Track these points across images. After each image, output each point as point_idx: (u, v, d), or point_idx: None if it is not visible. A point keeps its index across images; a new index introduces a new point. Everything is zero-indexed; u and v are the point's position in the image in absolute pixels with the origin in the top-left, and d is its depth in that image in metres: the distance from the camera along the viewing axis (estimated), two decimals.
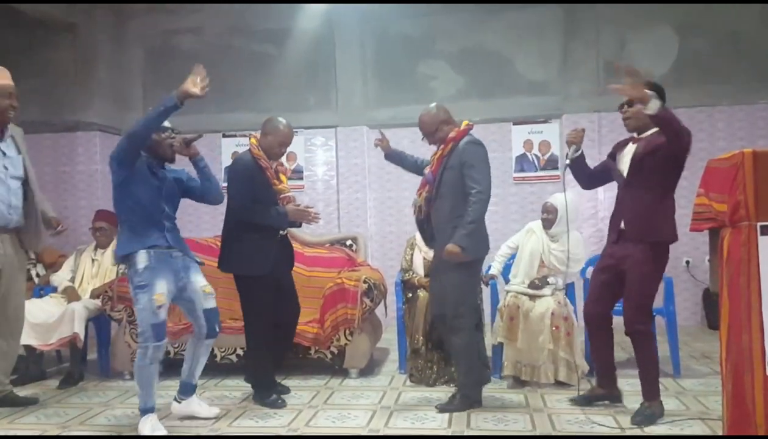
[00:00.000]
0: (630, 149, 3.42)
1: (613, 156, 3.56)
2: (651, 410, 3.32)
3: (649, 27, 6.08)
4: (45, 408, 3.86)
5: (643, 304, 3.32)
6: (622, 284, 3.36)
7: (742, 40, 5.95)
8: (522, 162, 6.31)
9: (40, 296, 4.69)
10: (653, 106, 3.00)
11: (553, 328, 4.02)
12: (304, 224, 4.02)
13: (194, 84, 3.17)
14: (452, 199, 3.53)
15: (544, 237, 4.34)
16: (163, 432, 3.30)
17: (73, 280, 4.74)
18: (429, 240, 3.75)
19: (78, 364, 4.46)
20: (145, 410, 3.34)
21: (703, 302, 5.99)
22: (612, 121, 6.12)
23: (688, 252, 6.06)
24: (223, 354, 4.40)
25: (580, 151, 3.57)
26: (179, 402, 3.58)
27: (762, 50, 5.92)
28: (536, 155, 6.28)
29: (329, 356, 4.37)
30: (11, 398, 3.85)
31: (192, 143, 3.48)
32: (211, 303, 3.50)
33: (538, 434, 3.22)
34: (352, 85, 6.48)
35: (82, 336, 4.32)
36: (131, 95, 6.73)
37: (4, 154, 3.63)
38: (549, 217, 4.32)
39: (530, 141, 6.30)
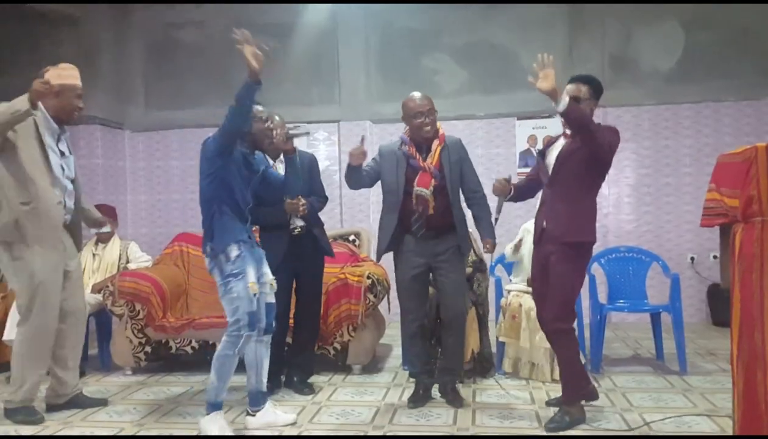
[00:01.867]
0: (558, 145, 3.32)
1: (542, 154, 3.41)
2: (569, 417, 3.20)
3: (656, 22, 6.03)
4: (42, 403, 3.81)
5: (564, 302, 3.22)
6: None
7: (748, 35, 5.90)
8: (526, 157, 6.27)
9: None
10: (562, 102, 2.95)
11: None
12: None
13: (254, 55, 2.93)
14: (458, 191, 3.61)
15: None
16: (229, 432, 3.19)
17: None
18: (427, 234, 3.54)
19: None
20: (214, 405, 3.19)
21: (708, 298, 5.95)
22: (618, 116, 6.09)
23: (693, 248, 6.02)
24: None
25: (509, 195, 3.46)
26: (253, 415, 3.33)
27: None
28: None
29: (332, 352, 4.33)
30: (81, 399, 3.73)
31: (292, 139, 3.32)
32: (272, 298, 3.38)
33: (543, 435, 3.18)
34: (356, 80, 6.43)
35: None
36: (133, 89, 6.69)
37: (63, 154, 3.52)
38: None
39: (534, 136, 6.26)
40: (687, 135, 6.03)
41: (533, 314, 4.03)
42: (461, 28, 6.27)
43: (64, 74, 3.43)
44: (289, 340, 4.08)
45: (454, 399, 3.60)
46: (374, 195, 6.41)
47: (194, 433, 3.26)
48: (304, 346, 4.05)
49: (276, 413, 3.38)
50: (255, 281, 3.17)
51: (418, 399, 3.62)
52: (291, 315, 4.02)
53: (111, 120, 6.43)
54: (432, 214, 3.50)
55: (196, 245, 5.00)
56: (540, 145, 6.21)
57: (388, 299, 4.67)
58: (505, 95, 6.24)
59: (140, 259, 4.92)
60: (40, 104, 3.35)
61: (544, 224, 3.30)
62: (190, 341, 4.40)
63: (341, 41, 6.42)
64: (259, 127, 3.30)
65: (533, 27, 6.19)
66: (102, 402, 3.76)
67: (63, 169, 3.50)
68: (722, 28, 5.93)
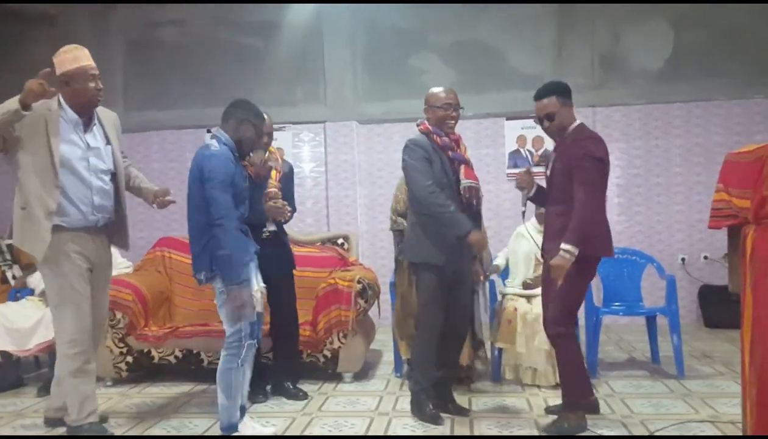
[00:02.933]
0: (552, 158, 3.32)
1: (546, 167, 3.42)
2: (567, 423, 3.12)
3: (644, 20, 5.97)
4: (23, 418, 3.64)
5: (566, 306, 3.15)
6: None
7: (738, 34, 5.86)
8: (515, 158, 6.18)
9: (17, 300, 4.45)
10: (570, 255, 3.00)
11: None
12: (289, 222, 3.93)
13: None
14: None
15: (537, 237, 4.20)
16: None
17: None
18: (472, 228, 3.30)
19: None
20: (230, 427, 3.04)
21: (699, 299, 5.89)
22: (607, 115, 6.03)
23: (684, 249, 5.97)
24: (210, 359, 4.21)
25: (534, 190, 3.39)
26: None
27: (759, 44, 5.84)
28: (530, 151, 6.15)
29: (322, 359, 4.19)
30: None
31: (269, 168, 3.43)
32: (261, 307, 3.21)
33: (542, 434, 3.08)
34: (342, 79, 6.30)
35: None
36: (112, 89, 6.45)
37: (89, 146, 3.19)
38: None
39: (524, 136, 6.17)
40: (677, 135, 5.98)
41: (529, 317, 3.94)
42: (449, 26, 6.16)
43: (68, 58, 3.14)
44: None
45: (459, 409, 3.46)
46: (361, 198, 6.30)
47: None
48: (289, 352, 3.94)
49: (254, 426, 3.23)
50: (258, 287, 3.07)
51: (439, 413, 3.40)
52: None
53: None
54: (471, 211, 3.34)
55: (178, 250, 4.84)
56: (530, 146, 6.15)
57: (378, 303, 4.55)
58: (494, 95, 6.14)
59: (120, 265, 4.74)
60: (60, 97, 3.11)
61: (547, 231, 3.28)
62: (174, 351, 4.24)
63: (327, 40, 6.28)
64: (252, 136, 3.18)
65: (522, 26, 6.10)
66: (101, 419, 3.50)
67: (89, 163, 3.18)
68: (711, 27, 5.89)
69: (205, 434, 3.31)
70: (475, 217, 3.40)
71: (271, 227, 3.77)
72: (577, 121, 3.23)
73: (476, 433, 3.20)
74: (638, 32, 5.98)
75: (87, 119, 3.23)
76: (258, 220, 3.65)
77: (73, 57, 3.14)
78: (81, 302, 3.16)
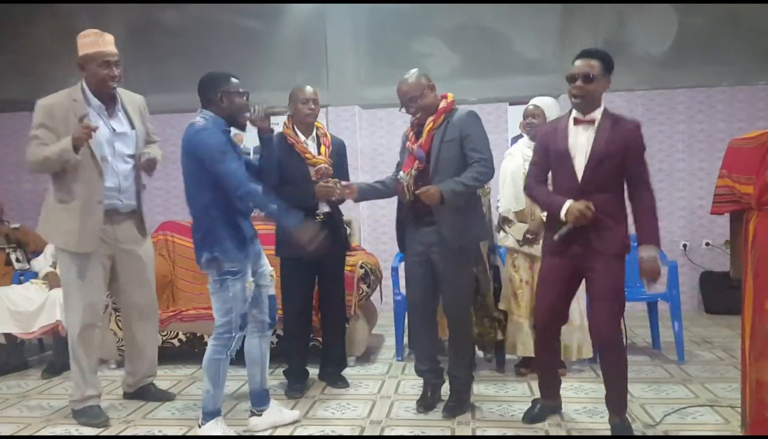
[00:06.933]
0: (584, 140, 2.84)
1: (545, 148, 2.97)
2: (626, 424, 2.92)
3: (649, 5, 5.92)
4: (28, 400, 3.68)
5: (618, 311, 2.90)
6: (576, 285, 3.06)
7: (742, 20, 5.82)
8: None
9: (21, 283, 4.47)
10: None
11: None
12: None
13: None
14: (453, 175, 3.13)
15: (526, 152, 3.80)
16: (231, 432, 3.02)
17: (55, 265, 4.53)
18: (419, 220, 3.26)
19: (61, 353, 4.24)
20: (214, 413, 2.99)
21: (700, 285, 5.91)
22: (610, 101, 5.94)
23: (685, 235, 5.98)
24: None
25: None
26: (259, 414, 3.16)
27: (762, 30, 5.80)
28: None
29: None
30: (148, 390, 3.64)
31: (270, 117, 3.13)
32: (272, 289, 3.17)
33: (541, 434, 3.10)
34: (344, 63, 6.27)
35: (65, 324, 4.13)
36: None
37: (114, 131, 3.28)
38: (535, 121, 3.79)
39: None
40: (680, 121, 5.96)
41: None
42: (452, 10, 6.12)
43: (81, 43, 3.25)
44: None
45: (451, 406, 3.28)
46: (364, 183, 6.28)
47: (184, 430, 3.14)
48: (336, 339, 3.86)
49: (281, 410, 3.22)
50: (251, 279, 2.98)
51: (426, 402, 3.34)
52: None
53: None
54: (415, 202, 3.18)
55: (181, 234, 4.86)
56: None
57: (380, 288, 4.57)
58: (497, 80, 6.11)
59: None
60: (82, 82, 3.23)
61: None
62: (177, 334, 4.27)
63: (329, 23, 6.24)
64: (239, 101, 2.99)
65: (526, 10, 6.06)
66: (168, 396, 3.63)
67: (114, 148, 3.27)
68: (716, 12, 5.84)
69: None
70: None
71: (325, 209, 3.62)
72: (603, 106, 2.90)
73: (477, 417, 3.22)
74: (642, 17, 5.94)
75: (111, 104, 3.30)
76: (309, 202, 3.50)
77: (92, 41, 3.26)
78: (91, 287, 3.26)
